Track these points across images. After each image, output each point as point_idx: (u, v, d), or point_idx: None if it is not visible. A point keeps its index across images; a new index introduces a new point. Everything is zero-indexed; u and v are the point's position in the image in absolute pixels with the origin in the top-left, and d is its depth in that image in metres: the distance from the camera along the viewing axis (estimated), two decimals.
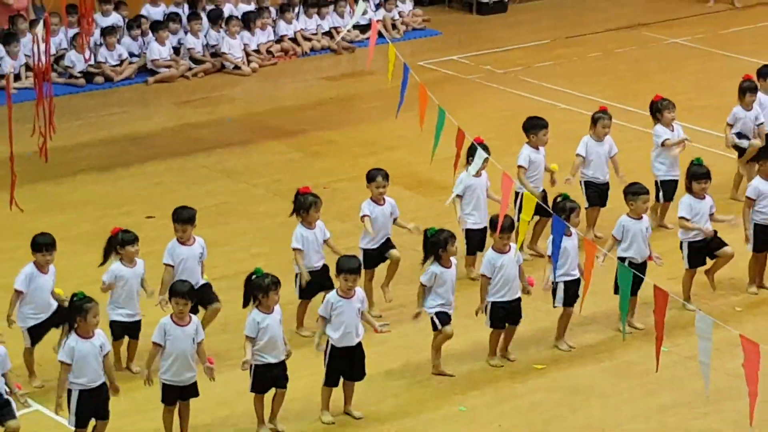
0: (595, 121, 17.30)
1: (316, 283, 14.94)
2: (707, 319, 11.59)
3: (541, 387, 14.42)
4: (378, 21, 20.61)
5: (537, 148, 16.86)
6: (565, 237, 14.18)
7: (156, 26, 23.00)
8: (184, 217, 14.59)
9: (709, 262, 15.87)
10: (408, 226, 15.49)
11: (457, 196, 16.09)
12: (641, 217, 15.32)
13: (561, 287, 14.83)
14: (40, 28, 16.36)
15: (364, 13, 22.58)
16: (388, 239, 15.64)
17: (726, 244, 15.81)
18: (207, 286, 14.67)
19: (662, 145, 17.49)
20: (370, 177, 15.64)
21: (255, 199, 18.47)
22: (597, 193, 17.30)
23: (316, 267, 15.00)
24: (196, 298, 13.65)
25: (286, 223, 15.30)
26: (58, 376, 12.80)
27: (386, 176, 15.64)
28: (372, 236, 15.47)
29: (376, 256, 15.57)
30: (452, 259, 14.33)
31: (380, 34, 18.30)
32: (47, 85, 15.29)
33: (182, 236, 14.56)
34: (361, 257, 14.88)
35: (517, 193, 16.18)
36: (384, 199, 15.58)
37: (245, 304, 13.35)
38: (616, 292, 14.03)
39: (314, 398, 13.74)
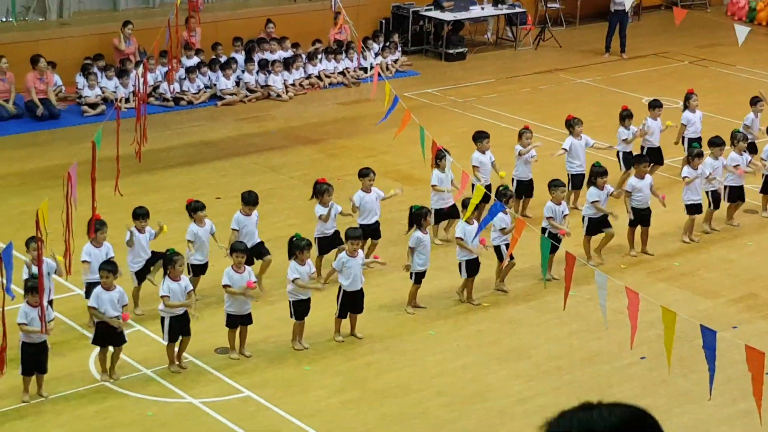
0: (520, 135, 17.09)
1: (328, 244, 14.84)
2: (602, 274, 11.57)
3: (487, 318, 14.37)
4: (377, 65, 20.56)
5: (483, 152, 16.72)
6: (502, 215, 14.13)
7: (223, 66, 22.91)
8: (253, 199, 14.50)
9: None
10: (389, 194, 15.27)
11: (433, 185, 15.99)
12: (560, 203, 15.22)
13: (500, 248, 14.77)
14: (141, 67, 16.25)
15: (368, 59, 22.74)
16: (377, 222, 15.34)
17: (611, 226, 15.69)
18: (261, 244, 14.52)
19: (565, 150, 17.37)
20: (363, 174, 15.39)
21: (290, 187, 18.32)
22: (525, 188, 17.03)
23: (328, 233, 14.92)
24: (249, 253, 13.57)
25: (312, 204, 15.19)
26: (159, 306, 12.79)
27: (374, 173, 15.45)
28: (360, 214, 15.10)
29: (367, 232, 15.07)
30: (426, 228, 14.24)
31: (379, 74, 18.25)
32: (143, 107, 15.24)
33: (246, 211, 14.46)
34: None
35: (473, 185, 16.08)
36: (371, 189, 15.39)
37: (289, 257, 13.29)
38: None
39: (330, 325, 13.71)
